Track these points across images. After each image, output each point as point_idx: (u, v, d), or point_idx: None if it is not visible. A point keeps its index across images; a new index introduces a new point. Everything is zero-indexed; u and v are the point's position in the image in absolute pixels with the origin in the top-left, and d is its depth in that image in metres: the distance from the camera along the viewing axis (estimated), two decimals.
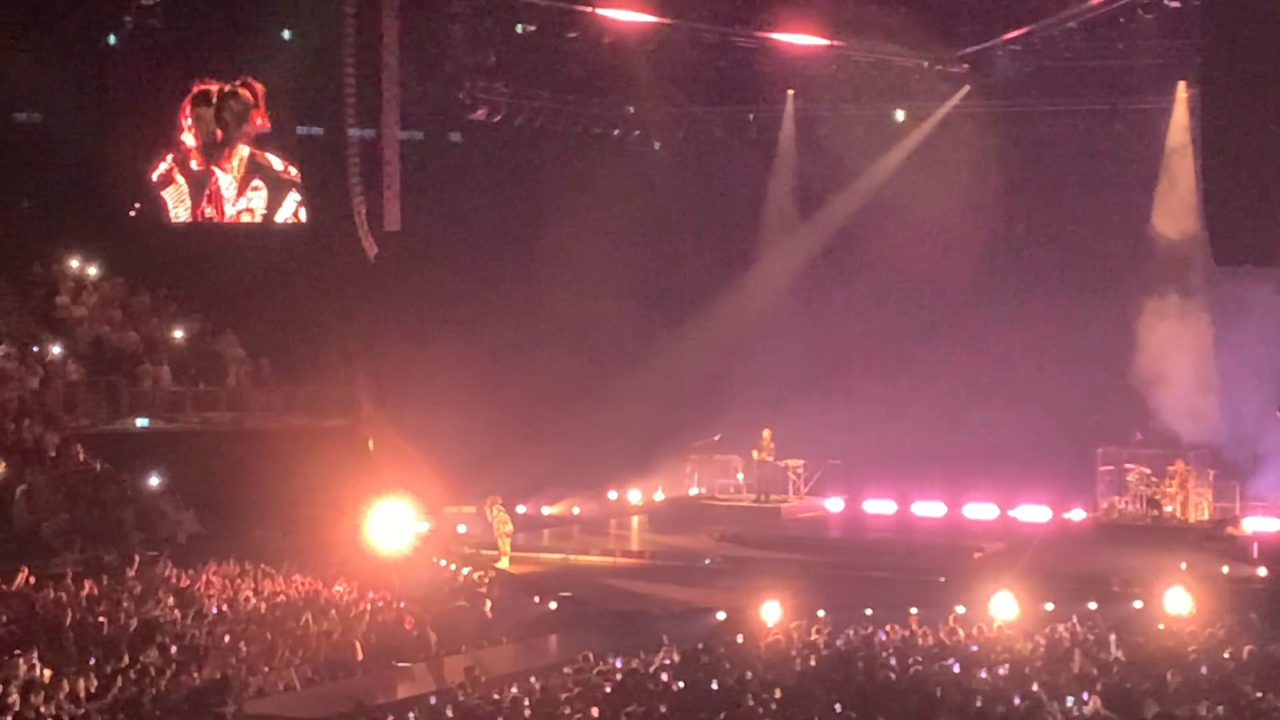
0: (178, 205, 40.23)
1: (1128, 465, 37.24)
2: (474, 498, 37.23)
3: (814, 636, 25.31)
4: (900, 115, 42.16)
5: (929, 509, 39.60)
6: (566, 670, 23.99)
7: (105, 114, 40.03)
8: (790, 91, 43.00)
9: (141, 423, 36.32)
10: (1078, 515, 37.45)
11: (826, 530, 38.96)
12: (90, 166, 39.14)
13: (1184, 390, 37.01)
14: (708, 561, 35.14)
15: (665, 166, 42.70)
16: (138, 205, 40.36)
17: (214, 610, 27.94)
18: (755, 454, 39.56)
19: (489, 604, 31.09)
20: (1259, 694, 20.10)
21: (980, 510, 38.96)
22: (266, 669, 25.97)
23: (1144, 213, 39.29)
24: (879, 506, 39.97)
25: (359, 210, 37.61)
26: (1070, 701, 19.90)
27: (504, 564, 34.65)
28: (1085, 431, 37.84)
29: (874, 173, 42.42)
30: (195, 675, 25.02)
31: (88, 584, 28.11)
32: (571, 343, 41.34)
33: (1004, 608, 26.67)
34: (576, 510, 40.18)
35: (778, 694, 20.76)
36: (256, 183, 40.37)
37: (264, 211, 40.46)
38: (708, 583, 32.94)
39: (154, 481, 34.14)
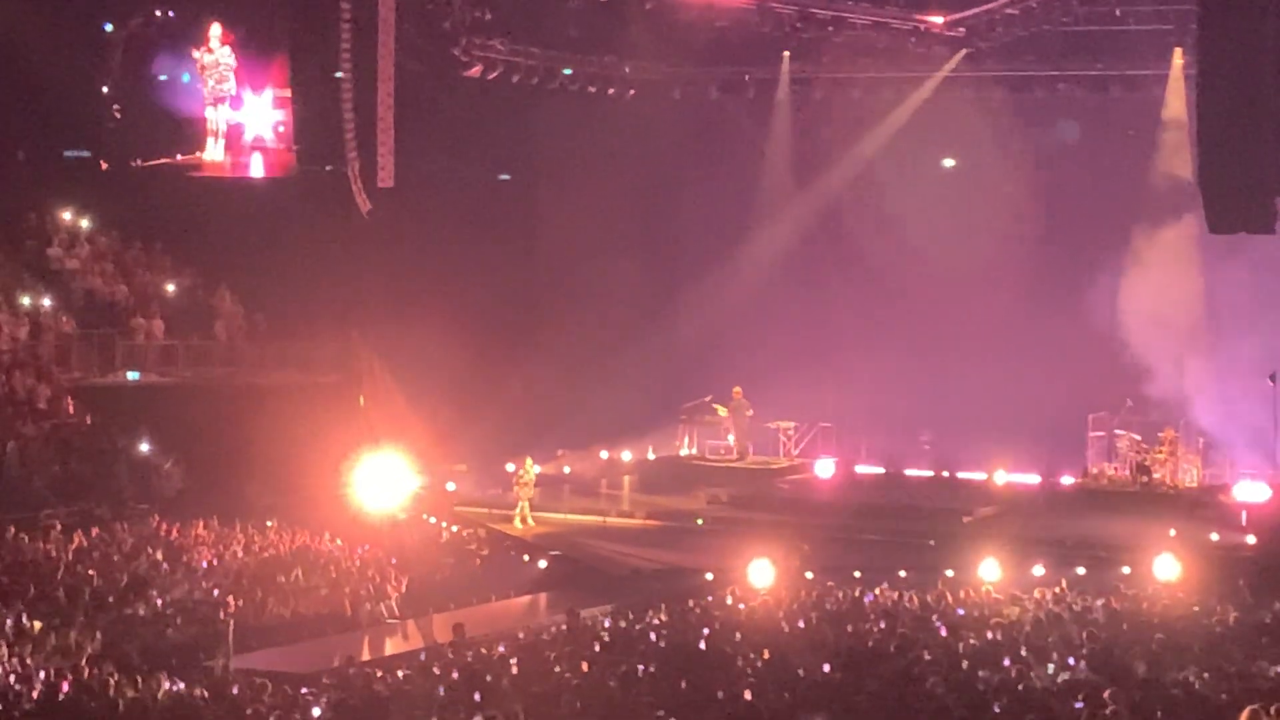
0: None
1: (1118, 431, 37.23)
2: (465, 455, 37.29)
3: (802, 598, 25.41)
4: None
5: (919, 472, 39.63)
6: (555, 629, 24.05)
7: (104, 64, 39.86)
8: (786, 53, 42.77)
9: (133, 376, 36.28)
10: (1067, 481, 37.44)
11: (817, 492, 38.94)
12: (88, 118, 39.02)
13: (1175, 356, 36.98)
14: (699, 522, 35.18)
15: (661, 127, 42.46)
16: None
17: (203, 564, 28.00)
18: (720, 410, 39.62)
19: (479, 562, 31.16)
20: (1245, 660, 20.18)
21: (970, 474, 38.98)
22: (256, 623, 26.04)
23: (1138, 180, 39.27)
24: (870, 469, 39.99)
25: (353, 166, 37.48)
26: (1052, 668, 19.97)
27: (519, 524, 34.52)
28: (1076, 397, 37.79)
29: (870, 137, 42.31)
30: (184, 629, 25.12)
31: (78, 537, 28.15)
32: (565, 302, 41.30)
33: (992, 572, 26.76)
34: (567, 469, 40.16)
35: (765, 655, 20.81)
36: None
37: None
38: (697, 543, 32.99)
39: (145, 436, 34.11)
